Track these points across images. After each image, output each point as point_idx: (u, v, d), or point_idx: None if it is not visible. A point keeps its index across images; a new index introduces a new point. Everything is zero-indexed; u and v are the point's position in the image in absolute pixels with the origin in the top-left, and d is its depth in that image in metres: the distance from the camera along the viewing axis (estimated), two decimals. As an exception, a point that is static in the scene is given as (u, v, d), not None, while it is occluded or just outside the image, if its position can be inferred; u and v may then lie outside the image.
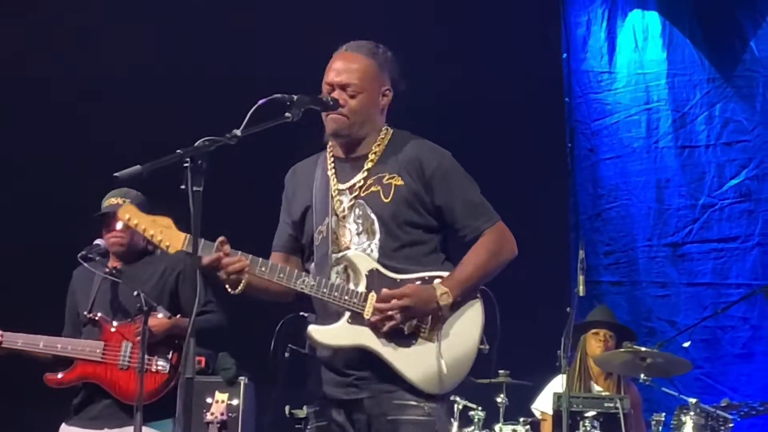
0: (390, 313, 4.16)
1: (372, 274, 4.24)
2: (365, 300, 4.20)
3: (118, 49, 9.35)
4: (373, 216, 4.30)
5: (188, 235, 4.09)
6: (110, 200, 6.41)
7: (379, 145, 4.40)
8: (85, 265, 6.35)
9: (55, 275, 6.76)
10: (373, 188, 4.33)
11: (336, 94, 4.33)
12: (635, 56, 9.95)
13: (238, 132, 3.96)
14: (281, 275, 4.22)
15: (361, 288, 4.23)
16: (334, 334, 4.23)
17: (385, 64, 4.45)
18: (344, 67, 4.37)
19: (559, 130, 10.06)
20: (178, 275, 6.34)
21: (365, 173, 4.35)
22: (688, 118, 9.75)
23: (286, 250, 4.54)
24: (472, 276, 4.29)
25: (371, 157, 4.37)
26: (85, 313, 6.31)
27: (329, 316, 4.28)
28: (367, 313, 4.19)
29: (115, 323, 6.28)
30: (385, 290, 4.18)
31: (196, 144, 3.82)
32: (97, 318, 6.28)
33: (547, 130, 9.88)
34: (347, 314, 4.21)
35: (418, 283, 4.24)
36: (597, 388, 7.79)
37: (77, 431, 6.28)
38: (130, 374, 6.16)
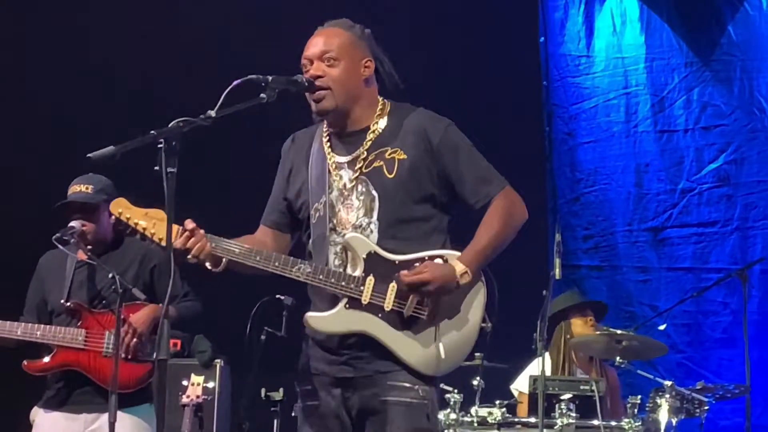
0: (414, 295, 4.13)
1: (370, 258, 4.19)
2: (362, 284, 4.17)
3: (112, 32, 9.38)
4: (374, 192, 4.25)
5: (181, 228, 4.08)
6: (75, 188, 6.30)
7: (378, 116, 4.35)
8: (61, 248, 6.21)
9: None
10: (375, 164, 4.27)
11: (315, 67, 4.29)
12: (613, 40, 9.96)
13: (212, 113, 3.93)
14: (276, 264, 4.18)
15: (359, 272, 4.18)
16: (331, 320, 4.20)
17: (363, 36, 4.41)
18: (321, 40, 4.34)
19: (537, 114, 10.06)
20: (152, 268, 6.29)
21: (367, 147, 4.30)
22: (666, 102, 9.77)
23: (276, 226, 4.49)
24: (489, 247, 4.22)
25: (373, 128, 4.33)
26: (63, 301, 6.25)
27: (325, 301, 4.25)
28: (365, 298, 4.16)
29: (94, 311, 6.26)
30: (404, 275, 4.12)
31: (170, 125, 3.80)
32: (75, 306, 6.25)
33: (524, 113, 9.88)
34: (344, 300, 4.18)
35: (438, 260, 4.19)
36: (580, 373, 7.81)
37: (56, 415, 6.25)
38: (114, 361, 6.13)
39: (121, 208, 4.24)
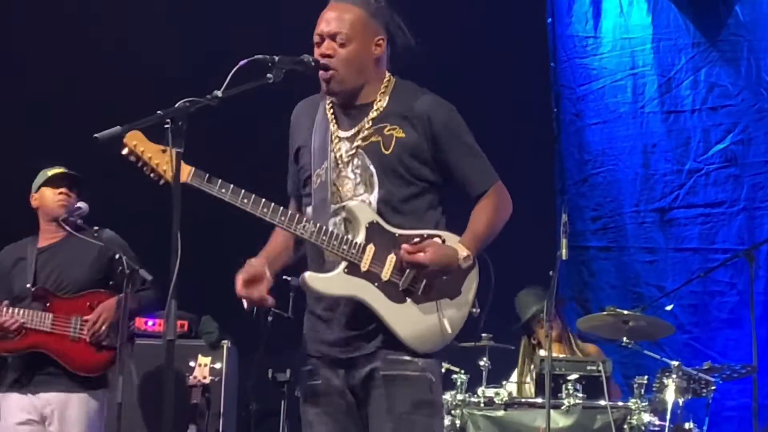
0: (412, 270, 4.14)
1: (372, 227, 4.20)
2: (363, 252, 4.17)
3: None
4: (372, 168, 4.25)
5: (193, 168, 4.04)
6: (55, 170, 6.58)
7: (383, 93, 4.34)
8: (67, 229, 6.37)
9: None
10: (373, 138, 4.27)
11: (325, 45, 4.27)
12: (620, 21, 9.93)
13: (219, 93, 3.91)
14: (282, 218, 4.15)
15: (360, 239, 4.19)
16: (329, 282, 4.19)
17: (378, 13, 4.37)
18: (334, 17, 4.30)
19: (545, 95, 10.04)
20: (111, 258, 6.29)
21: (368, 123, 4.30)
22: (673, 83, 9.74)
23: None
24: (486, 234, 4.26)
25: (376, 106, 4.31)
26: (28, 286, 6.34)
27: (323, 265, 4.25)
28: (365, 264, 4.16)
29: (60, 296, 6.36)
30: (406, 247, 4.14)
31: (177, 105, 3.80)
32: (41, 292, 6.34)
33: (532, 95, 9.86)
34: (343, 264, 4.18)
35: (437, 240, 4.21)
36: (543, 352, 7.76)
37: (16, 396, 6.38)
38: (81, 345, 6.27)
39: (136, 140, 4.06)
